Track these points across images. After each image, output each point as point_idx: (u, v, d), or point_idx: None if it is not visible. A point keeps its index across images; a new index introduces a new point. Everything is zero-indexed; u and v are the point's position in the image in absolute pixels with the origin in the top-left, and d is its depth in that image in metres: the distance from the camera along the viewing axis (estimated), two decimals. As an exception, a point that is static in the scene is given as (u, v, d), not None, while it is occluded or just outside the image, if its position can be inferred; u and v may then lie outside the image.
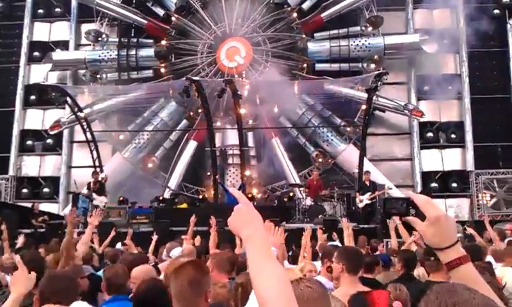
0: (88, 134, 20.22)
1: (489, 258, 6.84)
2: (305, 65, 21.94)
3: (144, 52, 22.97)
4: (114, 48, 23.09)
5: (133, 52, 22.82)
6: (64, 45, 23.88)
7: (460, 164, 21.86)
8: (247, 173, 19.59)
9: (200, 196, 20.13)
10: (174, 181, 21.61)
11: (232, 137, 20.67)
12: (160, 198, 18.95)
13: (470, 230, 10.12)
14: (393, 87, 22.08)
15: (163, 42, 22.55)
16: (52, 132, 22.27)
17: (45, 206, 20.69)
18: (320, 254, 6.98)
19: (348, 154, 20.99)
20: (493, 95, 22.13)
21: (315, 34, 22.54)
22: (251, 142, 21.84)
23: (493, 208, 21.20)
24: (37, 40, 24.23)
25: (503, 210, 21.06)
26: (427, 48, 21.15)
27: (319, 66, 22.15)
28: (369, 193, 16.09)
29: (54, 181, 22.89)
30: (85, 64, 22.78)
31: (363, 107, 19.31)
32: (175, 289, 2.82)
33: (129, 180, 21.27)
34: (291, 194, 18.92)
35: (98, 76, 22.67)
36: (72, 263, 5.56)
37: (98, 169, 19.23)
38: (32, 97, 23.51)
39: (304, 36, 22.07)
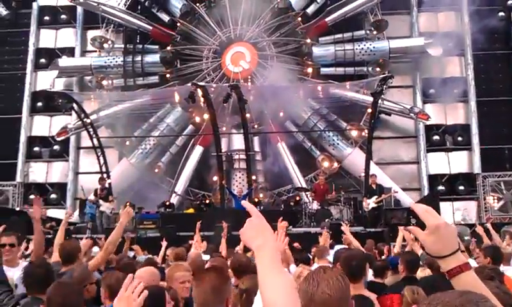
0: (95, 140, 20.28)
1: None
2: (310, 69, 21.97)
3: (149, 58, 23.06)
4: (120, 54, 23.22)
5: (138, 58, 22.93)
6: (70, 51, 24.01)
7: (467, 167, 21.78)
8: (253, 178, 19.58)
9: (207, 201, 20.14)
10: (180, 186, 21.66)
11: (238, 141, 20.70)
12: (167, 203, 18.98)
13: (479, 231, 10.05)
14: (399, 90, 22.07)
15: (168, 48, 22.63)
16: (59, 139, 22.39)
17: (53, 213, 20.76)
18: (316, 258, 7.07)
19: (354, 158, 20.96)
20: (498, 97, 22.06)
21: (320, 39, 22.56)
22: (257, 147, 21.87)
23: (501, 210, 21.14)
24: (43, 47, 24.37)
25: (510, 213, 20.98)
26: (432, 51, 21.11)
27: (324, 70, 22.17)
28: (375, 196, 16.06)
29: (61, 187, 22.98)
30: (91, 70, 22.90)
31: (369, 110, 19.31)
32: (198, 296, 2.86)
33: (136, 186, 21.30)
34: (297, 198, 18.89)
35: (104, 82, 22.77)
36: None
37: (105, 175, 19.30)
38: (39, 104, 23.64)
39: (309, 40, 22.10)
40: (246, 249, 6.84)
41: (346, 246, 8.66)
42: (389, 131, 22.30)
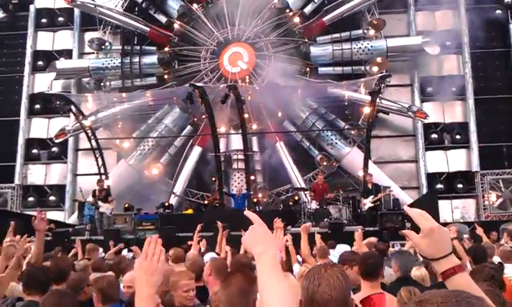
0: (93, 142, 20.27)
1: (496, 258, 6.82)
2: (308, 69, 21.99)
3: (147, 59, 23.08)
4: (118, 56, 23.21)
5: (136, 59, 22.93)
6: (67, 53, 24.03)
7: (465, 165, 21.80)
8: (251, 178, 19.57)
9: (205, 202, 20.14)
10: (179, 187, 21.66)
11: (236, 142, 20.71)
12: (166, 204, 18.98)
13: (478, 231, 10.05)
14: (397, 89, 22.09)
15: (166, 49, 22.64)
16: (57, 141, 22.38)
17: (51, 215, 20.73)
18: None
19: (352, 157, 20.96)
20: (496, 95, 22.09)
21: (318, 38, 22.57)
22: (255, 147, 21.87)
23: (499, 208, 21.17)
24: (41, 49, 24.38)
25: (509, 210, 21.02)
26: (429, 49, 21.14)
27: (322, 70, 22.19)
28: (372, 196, 16.07)
29: (59, 189, 22.97)
30: (89, 72, 22.92)
31: (367, 109, 19.32)
32: (225, 298, 2.87)
33: (134, 187, 21.31)
34: (296, 198, 18.91)
35: (102, 84, 22.77)
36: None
37: (103, 177, 19.30)
38: (37, 106, 23.65)
39: (306, 40, 22.11)
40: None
41: (348, 246, 8.67)
42: (387, 130, 22.31)
